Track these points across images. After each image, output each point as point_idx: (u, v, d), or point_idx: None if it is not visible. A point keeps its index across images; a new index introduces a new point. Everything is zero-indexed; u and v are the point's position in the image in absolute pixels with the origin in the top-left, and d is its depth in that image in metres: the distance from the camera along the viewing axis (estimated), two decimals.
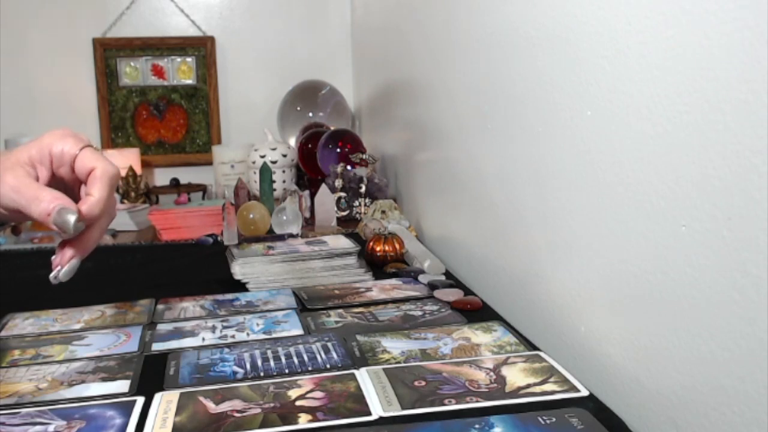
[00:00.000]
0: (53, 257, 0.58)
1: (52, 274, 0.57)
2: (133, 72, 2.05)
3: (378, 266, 1.11)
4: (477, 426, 0.58)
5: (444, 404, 0.63)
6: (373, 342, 0.79)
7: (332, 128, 1.79)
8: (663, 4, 0.55)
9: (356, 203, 1.53)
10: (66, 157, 0.56)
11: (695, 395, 0.54)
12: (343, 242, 1.11)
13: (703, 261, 0.52)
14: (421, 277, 1.04)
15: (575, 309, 0.73)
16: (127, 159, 1.85)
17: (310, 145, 1.77)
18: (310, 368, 0.72)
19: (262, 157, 1.75)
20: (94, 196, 0.55)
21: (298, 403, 0.64)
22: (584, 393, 0.65)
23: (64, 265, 0.56)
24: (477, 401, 0.63)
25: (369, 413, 0.62)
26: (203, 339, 0.82)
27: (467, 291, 0.97)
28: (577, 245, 0.71)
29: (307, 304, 0.94)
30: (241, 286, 1.03)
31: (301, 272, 1.05)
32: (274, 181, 1.67)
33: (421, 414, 0.61)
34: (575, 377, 0.68)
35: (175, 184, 1.89)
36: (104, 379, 0.71)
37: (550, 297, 0.78)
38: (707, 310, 0.52)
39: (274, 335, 0.83)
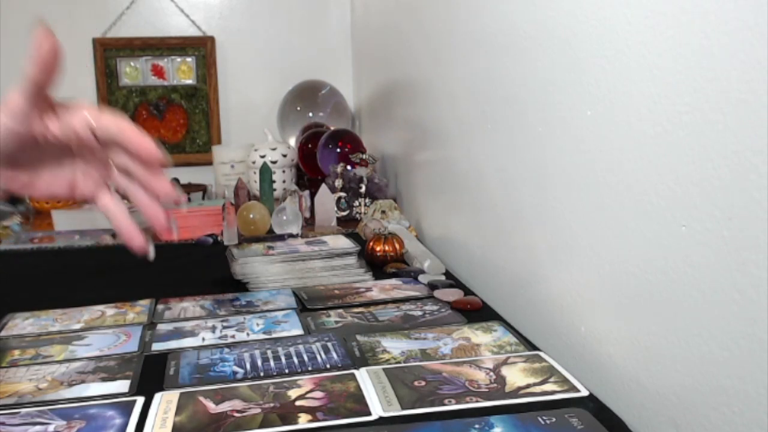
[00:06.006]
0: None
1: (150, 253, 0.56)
2: (133, 72, 2.05)
3: (378, 266, 1.11)
4: (477, 426, 0.58)
5: (444, 404, 0.63)
6: (373, 342, 0.79)
7: (332, 128, 1.79)
8: (663, 4, 0.55)
9: (356, 203, 1.53)
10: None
11: (695, 395, 0.54)
12: (343, 242, 1.11)
13: (703, 261, 0.52)
14: (421, 277, 1.04)
15: (575, 309, 0.73)
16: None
17: (310, 145, 1.77)
18: (310, 368, 0.72)
19: (262, 157, 1.75)
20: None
21: (298, 403, 0.64)
22: (584, 393, 0.65)
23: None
24: (477, 401, 0.63)
25: (369, 413, 0.62)
26: (203, 339, 0.82)
27: (467, 291, 0.97)
28: (577, 245, 0.71)
29: (307, 304, 0.94)
30: (241, 286, 1.03)
31: (301, 272, 1.05)
32: (274, 181, 1.67)
33: (421, 414, 0.61)
34: (575, 377, 0.68)
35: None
36: (104, 379, 0.71)
37: (550, 297, 0.78)
38: (707, 310, 0.52)
39: (274, 335, 0.83)
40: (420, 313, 0.89)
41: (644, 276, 0.60)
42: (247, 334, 0.83)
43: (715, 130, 0.50)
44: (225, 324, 0.87)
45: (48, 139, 0.53)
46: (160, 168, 0.53)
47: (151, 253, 0.56)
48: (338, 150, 1.66)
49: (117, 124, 0.52)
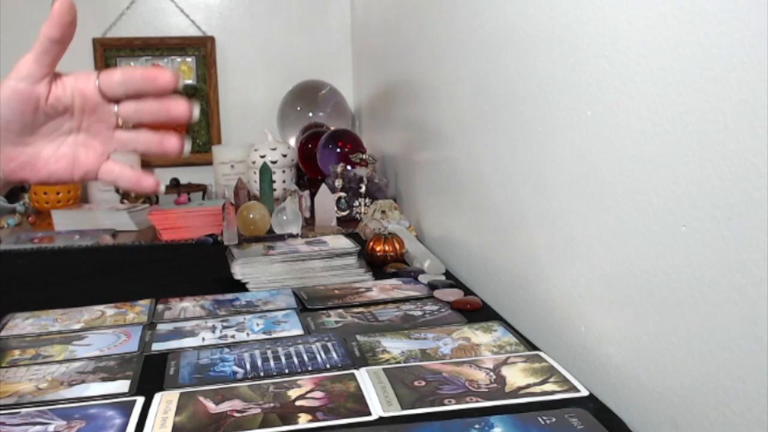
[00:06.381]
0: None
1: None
2: None
3: (378, 266, 1.11)
4: (477, 426, 0.58)
5: (444, 404, 0.63)
6: (373, 342, 0.79)
7: (332, 128, 1.79)
8: (663, 4, 0.55)
9: (356, 203, 1.53)
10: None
11: (695, 395, 0.54)
12: (343, 242, 1.11)
13: (703, 261, 0.52)
14: (421, 277, 1.04)
15: (575, 309, 0.73)
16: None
17: (310, 145, 1.77)
18: (310, 368, 0.72)
19: (262, 157, 1.75)
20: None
21: (298, 403, 0.64)
22: (584, 393, 0.65)
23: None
24: (477, 401, 0.63)
25: (369, 413, 0.62)
26: (203, 339, 0.82)
27: (467, 291, 0.97)
28: (577, 245, 0.71)
29: (307, 304, 0.94)
30: (241, 286, 1.03)
31: (301, 272, 1.05)
32: (274, 181, 1.67)
33: (421, 414, 0.61)
34: (575, 377, 0.68)
35: (175, 184, 1.89)
36: (104, 379, 0.71)
37: (550, 297, 0.78)
38: (707, 310, 0.52)
39: (274, 335, 0.83)
40: (420, 313, 0.89)
41: (644, 276, 0.60)
42: (247, 334, 0.83)
43: (715, 130, 0.50)
44: (225, 324, 0.87)
45: (50, 102, 0.53)
46: (172, 91, 0.53)
47: (187, 147, 0.55)
48: (338, 150, 1.66)
49: (121, 70, 0.53)
